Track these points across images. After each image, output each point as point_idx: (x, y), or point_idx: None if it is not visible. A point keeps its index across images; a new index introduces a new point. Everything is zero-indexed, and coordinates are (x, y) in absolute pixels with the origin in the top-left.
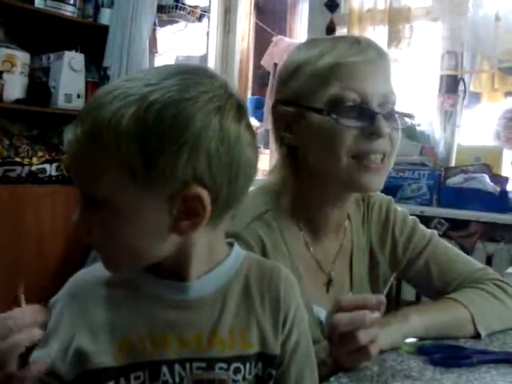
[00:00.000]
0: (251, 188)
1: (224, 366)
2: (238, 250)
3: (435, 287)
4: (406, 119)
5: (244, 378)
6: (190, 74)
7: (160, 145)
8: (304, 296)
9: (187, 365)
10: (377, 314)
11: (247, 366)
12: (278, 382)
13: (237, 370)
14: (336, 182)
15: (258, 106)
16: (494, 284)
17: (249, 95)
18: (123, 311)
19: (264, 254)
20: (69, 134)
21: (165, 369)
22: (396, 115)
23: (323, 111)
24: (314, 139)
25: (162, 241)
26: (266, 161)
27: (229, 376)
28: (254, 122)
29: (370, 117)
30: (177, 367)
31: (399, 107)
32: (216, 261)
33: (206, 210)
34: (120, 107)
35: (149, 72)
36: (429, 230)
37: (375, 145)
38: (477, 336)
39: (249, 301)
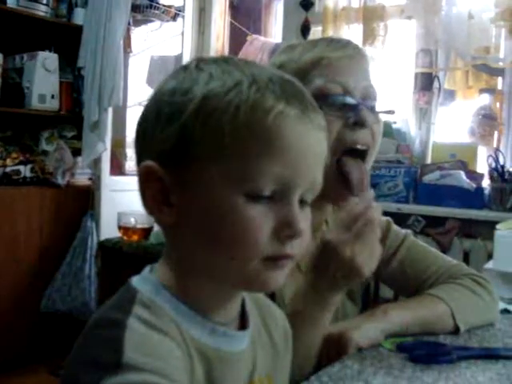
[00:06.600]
0: None
1: None
2: None
3: (411, 286)
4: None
5: None
6: None
7: None
8: (283, 296)
9: None
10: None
11: None
12: None
13: None
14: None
15: None
16: (471, 278)
17: None
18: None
19: None
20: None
21: None
22: (377, 111)
23: None
24: None
25: None
26: None
27: None
28: None
29: (353, 107)
30: None
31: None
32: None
33: None
34: None
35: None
36: (403, 230)
37: (359, 135)
38: (455, 331)
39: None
